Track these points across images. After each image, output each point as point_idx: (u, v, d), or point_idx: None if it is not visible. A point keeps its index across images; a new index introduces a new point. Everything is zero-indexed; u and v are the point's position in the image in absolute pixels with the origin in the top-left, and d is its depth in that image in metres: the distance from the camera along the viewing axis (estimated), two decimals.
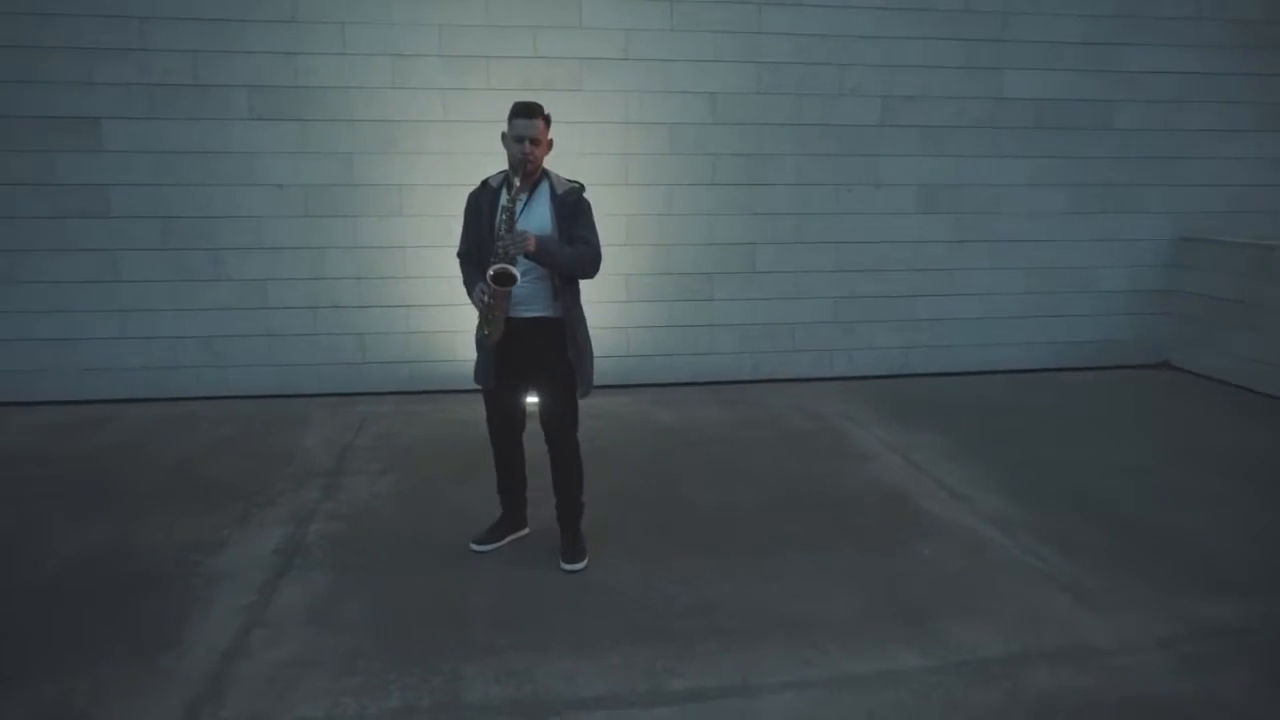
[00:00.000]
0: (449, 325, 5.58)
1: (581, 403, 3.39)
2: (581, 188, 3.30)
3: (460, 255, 3.42)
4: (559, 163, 3.39)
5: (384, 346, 5.70)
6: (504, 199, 3.13)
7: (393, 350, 5.71)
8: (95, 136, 5.28)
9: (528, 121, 3.12)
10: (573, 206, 3.23)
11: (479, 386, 3.41)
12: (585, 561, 3.36)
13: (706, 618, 3.02)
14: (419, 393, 5.71)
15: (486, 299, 3.11)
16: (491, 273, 3.02)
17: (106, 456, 4.57)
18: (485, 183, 3.31)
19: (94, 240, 5.37)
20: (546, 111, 3.19)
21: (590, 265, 3.24)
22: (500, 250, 3.06)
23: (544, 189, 3.25)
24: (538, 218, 3.20)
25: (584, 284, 3.36)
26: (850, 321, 6.19)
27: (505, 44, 5.50)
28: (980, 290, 6.29)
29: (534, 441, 3.49)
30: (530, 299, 3.22)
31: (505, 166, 3.22)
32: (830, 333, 6.18)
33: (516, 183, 3.11)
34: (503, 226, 3.09)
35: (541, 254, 3.09)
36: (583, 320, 3.36)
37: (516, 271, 3.03)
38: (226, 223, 5.45)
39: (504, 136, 3.19)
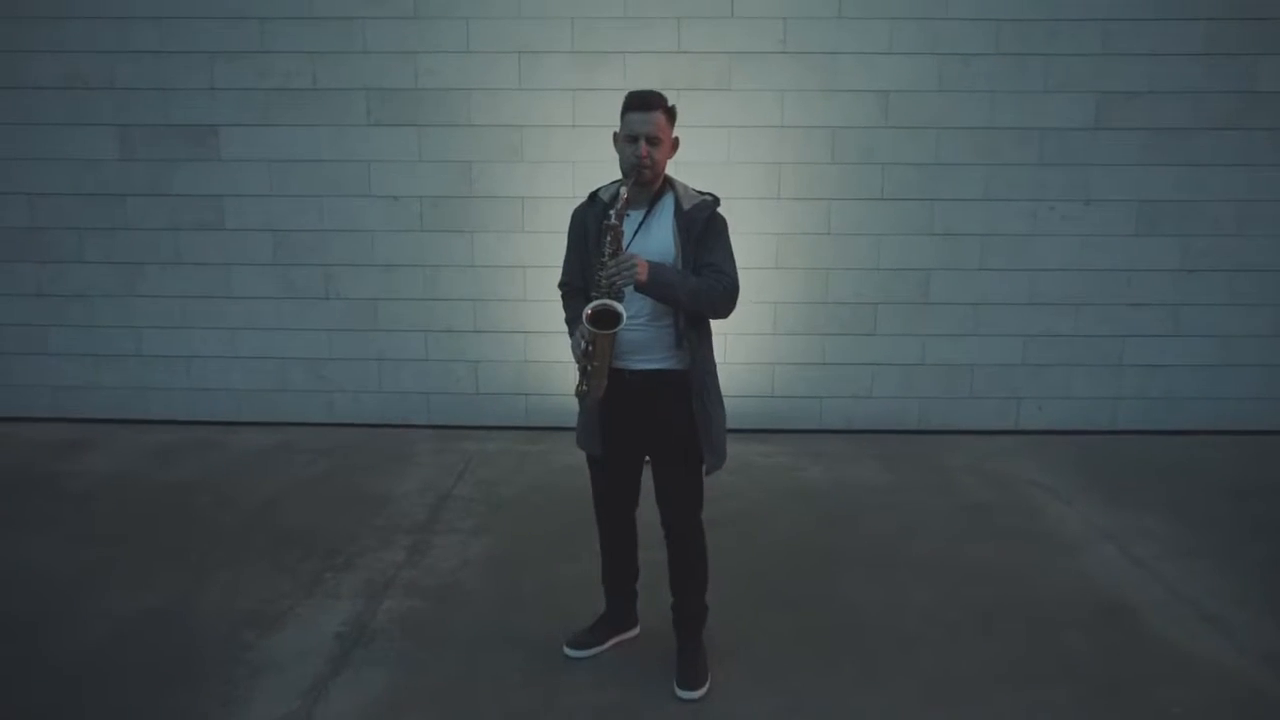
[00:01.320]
0: (569, 355, 4.96)
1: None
2: (715, 201, 2.56)
3: (561, 286, 2.75)
4: (699, 173, 2.68)
5: (499, 376, 5.15)
6: (612, 216, 2.43)
7: (508, 381, 5.15)
8: (213, 144, 5.00)
9: (643, 115, 2.41)
10: (703, 225, 2.49)
11: (581, 451, 2.73)
12: (706, 687, 2.60)
13: None
14: (533, 429, 5.13)
15: (585, 345, 2.42)
16: (589, 311, 2.33)
17: (197, 490, 4.20)
18: (594, 196, 2.62)
19: (207, 254, 5.10)
20: (670, 103, 2.47)
21: (722, 302, 2.48)
22: (602, 281, 2.36)
23: (666, 203, 2.53)
24: (657, 240, 2.49)
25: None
26: (1042, 364, 5.14)
27: (644, 37, 4.84)
28: (1215, 331, 5.08)
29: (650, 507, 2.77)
30: (645, 345, 2.50)
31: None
32: (1017, 377, 5.15)
33: (624, 194, 2.40)
34: (607, 249, 2.39)
35: (656, 285, 2.37)
36: (713, 373, 2.62)
37: (622, 309, 2.32)
38: (338, 237, 5.06)
39: (616, 137, 2.51)
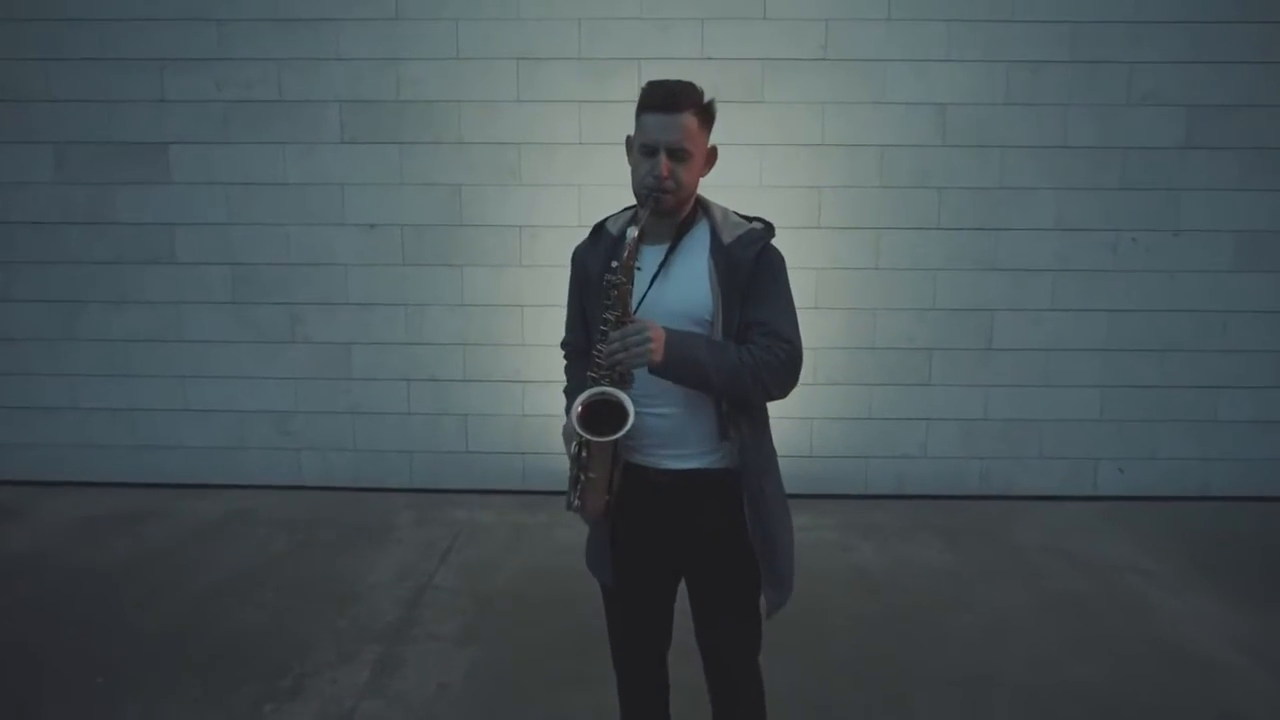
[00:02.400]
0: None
1: None
2: (766, 230, 1.85)
3: (564, 345, 2.06)
4: (726, 198, 1.95)
5: (492, 433, 4.45)
6: (615, 266, 1.72)
7: (502, 438, 4.45)
8: (163, 165, 4.34)
9: (666, 118, 1.71)
10: (751, 267, 1.77)
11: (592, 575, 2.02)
12: None
13: None
14: (531, 493, 4.42)
15: (577, 448, 1.72)
16: (580, 408, 1.64)
17: (125, 577, 3.50)
18: (600, 229, 1.93)
19: (156, 291, 4.42)
20: (707, 98, 1.77)
21: (774, 380, 1.76)
22: (601, 361, 1.66)
23: (699, 235, 1.83)
24: (683, 288, 1.78)
25: None
26: (1124, 420, 4.44)
27: (663, 41, 4.19)
28: None
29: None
30: (677, 435, 1.80)
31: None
32: (1094, 434, 4.45)
33: (633, 235, 1.69)
34: (610, 314, 1.69)
35: (678, 366, 1.67)
36: (773, 472, 1.92)
37: (629, 404, 1.62)
38: (307, 271, 4.38)
39: (629, 144, 1.81)
